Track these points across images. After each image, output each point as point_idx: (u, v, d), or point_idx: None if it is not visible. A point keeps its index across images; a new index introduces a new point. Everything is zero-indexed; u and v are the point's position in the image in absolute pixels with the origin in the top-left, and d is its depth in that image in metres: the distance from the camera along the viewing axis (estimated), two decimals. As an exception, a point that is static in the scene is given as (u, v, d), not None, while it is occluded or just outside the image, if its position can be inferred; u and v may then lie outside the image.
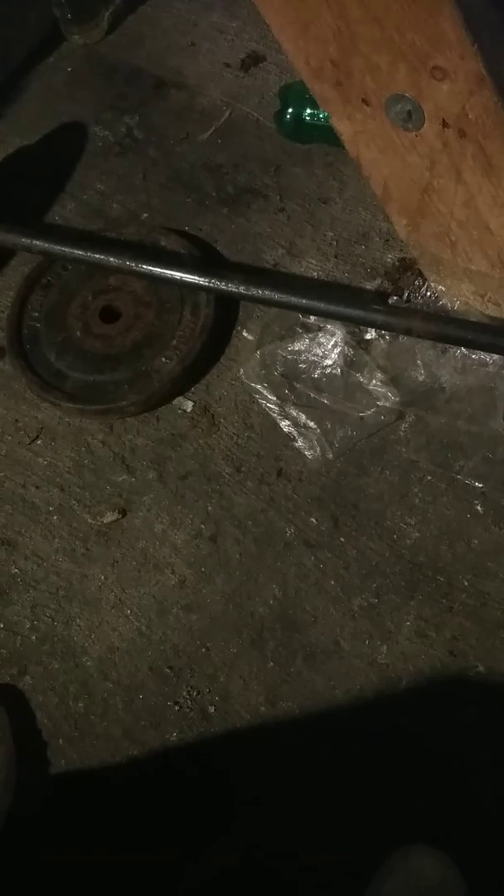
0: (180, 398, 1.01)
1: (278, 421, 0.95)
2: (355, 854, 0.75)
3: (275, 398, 0.96)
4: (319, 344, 0.96)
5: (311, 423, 0.94)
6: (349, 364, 0.95)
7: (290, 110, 1.11)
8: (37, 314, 1.08)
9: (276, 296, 0.92)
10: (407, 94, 0.68)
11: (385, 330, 0.93)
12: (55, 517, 0.97)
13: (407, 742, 0.78)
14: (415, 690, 0.80)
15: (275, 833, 0.77)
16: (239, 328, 1.04)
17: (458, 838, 0.74)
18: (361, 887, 0.72)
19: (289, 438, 0.95)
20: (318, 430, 0.93)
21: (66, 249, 1.02)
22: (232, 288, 0.94)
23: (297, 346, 0.97)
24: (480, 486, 0.87)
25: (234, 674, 0.85)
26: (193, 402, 1.01)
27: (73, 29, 1.35)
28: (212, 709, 0.84)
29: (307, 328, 0.99)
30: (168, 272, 0.97)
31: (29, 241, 1.04)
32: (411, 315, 0.88)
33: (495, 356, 0.90)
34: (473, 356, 0.91)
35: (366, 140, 0.77)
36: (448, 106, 0.67)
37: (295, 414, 0.95)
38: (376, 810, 0.77)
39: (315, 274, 1.05)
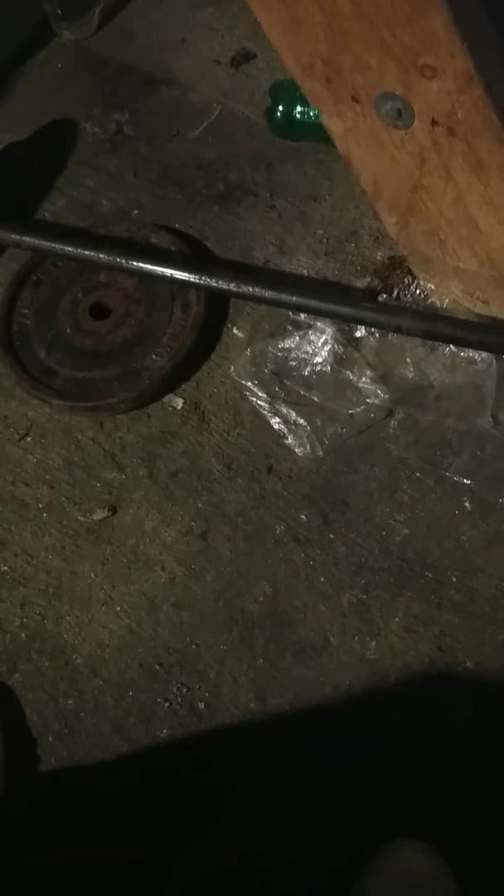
0: (171, 395, 1.01)
1: (269, 418, 0.96)
2: (345, 849, 0.75)
3: (265, 395, 0.96)
4: (309, 341, 0.97)
5: (302, 421, 0.94)
6: (339, 361, 0.95)
7: (280, 108, 1.11)
8: (27, 311, 1.08)
9: (267, 293, 0.92)
10: (397, 92, 0.69)
11: (375, 327, 0.93)
12: (45, 514, 0.97)
13: (396, 737, 0.79)
14: (403, 686, 0.81)
15: (264, 829, 0.78)
16: (229, 325, 1.04)
17: (447, 833, 0.74)
18: (350, 882, 0.73)
19: (279, 436, 0.95)
20: (309, 428, 0.94)
21: (56, 246, 1.02)
22: (222, 285, 0.94)
23: (288, 343, 0.97)
24: (468, 482, 0.88)
25: (224, 670, 0.85)
26: (184, 399, 1.01)
27: (63, 25, 1.35)
28: (202, 705, 0.84)
29: (297, 325, 0.99)
30: (158, 269, 0.97)
31: (18, 237, 1.04)
32: (401, 313, 0.88)
33: (483, 354, 0.91)
34: (462, 354, 0.92)
35: (356, 137, 0.78)
36: (437, 104, 0.68)
37: (285, 411, 0.95)
38: (366, 805, 0.77)
39: (305, 271, 1.06)
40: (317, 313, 0.94)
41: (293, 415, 0.95)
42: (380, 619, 0.84)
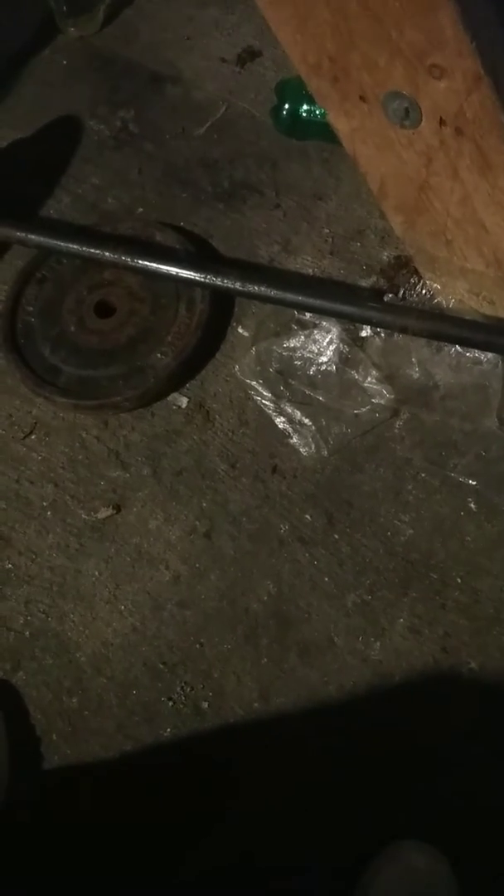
0: (175, 394, 1.01)
1: (273, 417, 0.95)
2: (348, 849, 0.75)
3: (270, 395, 0.96)
4: (315, 341, 0.96)
5: (306, 420, 0.94)
6: (344, 361, 0.95)
7: (286, 106, 1.11)
8: (31, 308, 1.08)
9: (272, 292, 0.92)
10: (404, 92, 0.68)
11: (380, 327, 0.93)
12: (49, 513, 0.97)
13: (399, 738, 0.79)
14: (408, 687, 0.81)
15: (267, 828, 0.78)
16: (234, 324, 1.04)
17: (449, 833, 0.74)
18: (353, 881, 0.73)
19: (284, 435, 0.95)
20: (313, 427, 0.93)
21: (61, 243, 1.02)
22: (227, 284, 0.94)
23: (293, 342, 0.97)
24: (474, 483, 0.88)
25: (227, 669, 0.85)
26: (188, 398, 1.00)
27: (68, 21, 1.35)
28: (205, 704, 0.84)
29: (302, 325, 0.99)
30: (163, 267, 0.97)
31: (24, 234, 1.03)
32: (406, 313, 0.88)
33: (489, 354, 0.90)
34: (468, 354, 0.92)
35: (363, 137, 0.77)
36: (445, 104, 0.67)
37: (290, 411, 0.95)
38: (369, 806, 0.77)
39: (310, 270, 1.05)
40: (322, 313, 0.94)
41: (298, 414, 0.94)
42: (384, 619, 0.84)
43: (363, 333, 0.96)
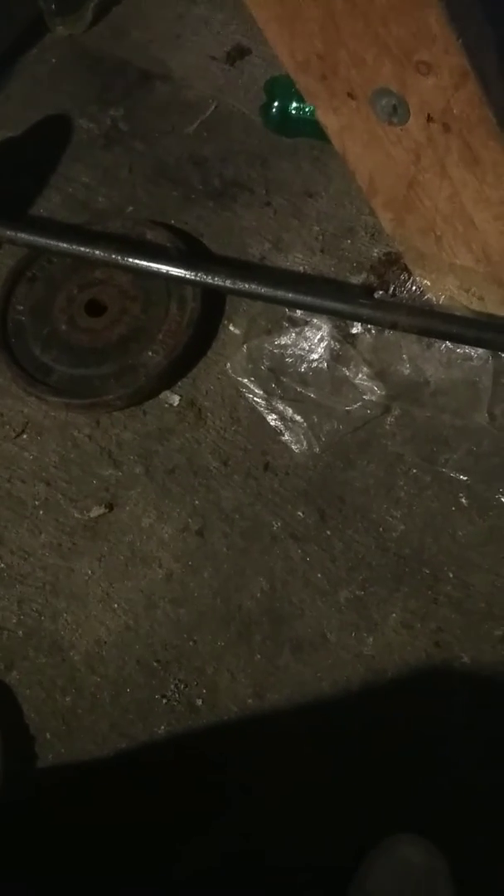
0: (167, 392, 1.01)
1: (265, 415, 0.96)
2: (343, 845, 0.76)
3: (262, 392, 0.96)
4: (306, 338, 0.97)
5: (298, 417, 0.94)
6: (335, 358, 0.95)
7: (276, 104, 1.11)
8: (22, 307, 1.08)
9: (263, 290, 0.92)
10: (392, 89, 0.69)
11: (371, 324, 0.93)
12: (41, 512, 0.97)
13: (393, 732, 0.79)
14: (401, 681, 0.81)
15: (264, 824, 0.78)
16: (225, 322, 1.04)
17: (444, 827, 0.74)
18: (349, 876, 0.73)
19: (276, 432, 0.95)
20: (305, 424, 0.94)
21: (52, 242, 1.02)
22: (218, 282, 0.94)
23: (284, 340, 0.97)
24: (465, 478, 0.88)
25: (221, 667, 0.85)
26: (180, 396, 1.00)
27: (57, 20, 1.34)
28: (199, 701, 0.84)
29: (293, 322, 0.99)
30: (154, 266, 0.97)
31: (14, 233, 1.03)
32: (397, 309, 0.88)
33: (479, 350, 0.91)
34: (458, 350, 0.92)
35: (351, 134, 0.78)
36: (433, 100, 0.67)
37: (282, 408, 0.95)
38: (364, 800, 0.77)
39: (301, 268, 1.06)
40: (313, 310, 0.94)
41: (290, 411, 0.95)
42: (377, 614, 0.84)
43: (354, 330, 0.96)
